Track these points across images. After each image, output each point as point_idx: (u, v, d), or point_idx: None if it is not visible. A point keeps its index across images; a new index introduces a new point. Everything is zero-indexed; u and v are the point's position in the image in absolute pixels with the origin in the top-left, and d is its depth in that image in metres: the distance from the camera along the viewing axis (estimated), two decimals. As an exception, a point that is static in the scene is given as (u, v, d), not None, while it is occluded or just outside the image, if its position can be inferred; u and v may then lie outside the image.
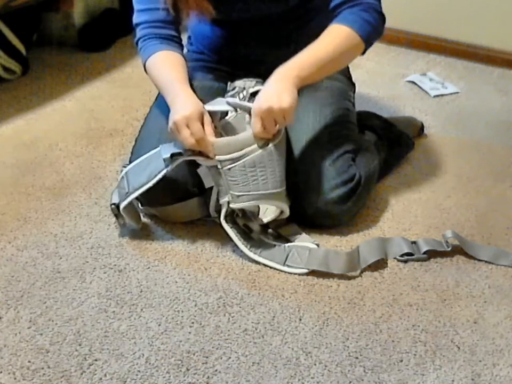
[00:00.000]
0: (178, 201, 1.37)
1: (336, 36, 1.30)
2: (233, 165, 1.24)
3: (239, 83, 1.35)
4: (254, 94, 1.30)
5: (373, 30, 1.31)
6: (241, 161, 1.24)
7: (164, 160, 1.26)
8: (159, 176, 1.27)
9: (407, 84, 2.17)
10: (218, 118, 1.33)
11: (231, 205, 1.27)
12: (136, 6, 1.43)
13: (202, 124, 1.25)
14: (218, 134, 1.29)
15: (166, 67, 1.37)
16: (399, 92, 2.11)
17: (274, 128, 1.24)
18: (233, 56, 1.52)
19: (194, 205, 1.39)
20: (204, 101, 1.31)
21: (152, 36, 1.40)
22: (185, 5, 1.35)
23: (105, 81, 2.10)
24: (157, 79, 1.38)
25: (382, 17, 1.33)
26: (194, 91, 1.33)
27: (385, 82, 2.18)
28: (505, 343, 1.17)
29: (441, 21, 2.37)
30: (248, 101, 1.30)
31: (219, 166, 1.26)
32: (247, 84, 1.34)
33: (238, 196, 1.26)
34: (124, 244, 1.36)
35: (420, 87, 2.14)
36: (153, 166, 1.28)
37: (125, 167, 1.42)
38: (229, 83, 1.37)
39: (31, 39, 2.19)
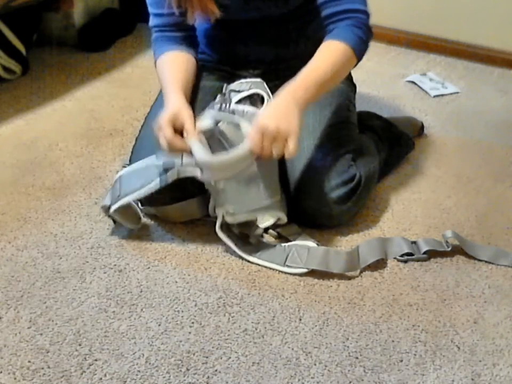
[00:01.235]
0: (178, 201, 1.37)
1: (333, 53, 1.29)
2: (227, 181, 1.23)
3: (234, 85, 1.33)
4: (250, 97, 1.28)
5: (365, 46, 1.33)
6: (235, 178, 1.23)
7: (157, 169, 1.26)
8: (153, 189, 1.26)
9: (407, 83, 2.17)
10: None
11: (226, 219, 1.27)
12: (149, 9, 1.45)
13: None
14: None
15: (166, 69, 1.39)
16: (399, 92, 2.11)
17: (270, 150, 1.18)
18: (233, 55, 1.52)
19: (194, 205, 1.39)
20: (203, 102, 1.30)
21: (164, 37, 1.43)
22: (190, 4, 1.36)
23: (105, 81, 2.10)
24: (160, 80, 1.40)
25: (371, 33, 1.35)
26: (195, 91, 1.32)
27: (385, 82, 2.18)
28: (505, 343, 1.17)
29: (441, 21, 2.37)
30: (236, 105, 1.27)
31: (212, 183, 1.25)
32: (242, 86, 1.32)
33: (233, 213, 1.26)
34: (123, 244, 1.36)
35: (420, 87, 2.14)
36: (149, 176, 1.28)
37: (125, 166, 1.42)
38: (225, 85, 1.36)
39: (31, 39, 2.19)
